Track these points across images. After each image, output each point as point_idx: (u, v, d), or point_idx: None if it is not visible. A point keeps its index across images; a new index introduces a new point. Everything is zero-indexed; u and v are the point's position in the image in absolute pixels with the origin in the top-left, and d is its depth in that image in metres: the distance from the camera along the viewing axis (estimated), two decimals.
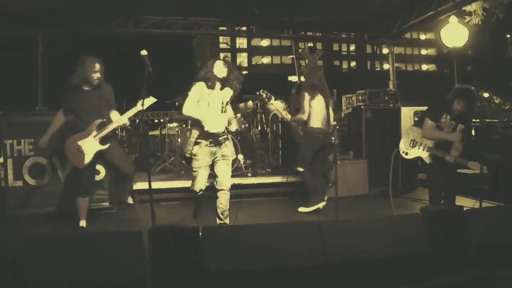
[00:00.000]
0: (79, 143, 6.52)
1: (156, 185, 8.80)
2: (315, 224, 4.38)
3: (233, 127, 6.89)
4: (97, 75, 6.56)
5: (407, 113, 13.01)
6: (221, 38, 61.06)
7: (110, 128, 6.61)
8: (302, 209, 8.37)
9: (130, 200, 7.73)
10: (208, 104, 6.43)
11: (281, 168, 10.06)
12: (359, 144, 10.26)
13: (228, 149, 6.59)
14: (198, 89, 6.44)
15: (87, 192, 6.88)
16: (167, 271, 3.73)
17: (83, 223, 6.76)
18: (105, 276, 3.68)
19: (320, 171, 8.68)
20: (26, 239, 3.78)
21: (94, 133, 6.55)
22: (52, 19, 10.55)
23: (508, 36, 15.93)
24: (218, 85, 6.51)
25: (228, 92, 6.63)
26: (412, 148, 7.04)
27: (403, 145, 7.23)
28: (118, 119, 6.66)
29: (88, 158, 6.55)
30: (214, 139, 6.43)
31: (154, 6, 10.76)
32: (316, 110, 8.25)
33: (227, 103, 6.63)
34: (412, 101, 14.05)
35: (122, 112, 6.78)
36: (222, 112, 6.56)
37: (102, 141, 6.59)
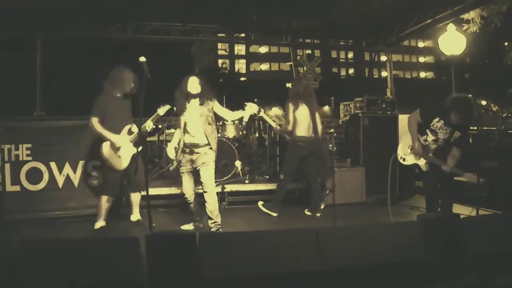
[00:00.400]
0: (117, 147, 6.94)
1: (154, 191, 8.81)
2: (312, 231, 4.38)
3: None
4: (131, 84, 7.16)
5: (405, 121, 13.02)
6: (219, 45, 61.07)
7: (137, 132, 6.96)
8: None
9: (134, 218, 7.83)
10: (186, 118, 7.11)
11: (278, 175, 10.06)
12: (356, 152, 10.27)
13: (208, 156, 7.06)
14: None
15: (114, 194, 7.31)
16: (164, 277, 3.73)
17: (102, 223, 7.16)
18: (102, 282, 3.68)
19: (314, 179, 8.83)
20: (23, 243, 3.78)
21: (128, 137, 7.05)
22: (51, 23, 10.57)
23: (506, 44, 15.94)
24: (195, 99, 7.09)
25: (207, 105, 7.12)
26: (410, 155, 6.99)
27: (401, 151, 7.20)
28: (145, 124, 7.03)
29: (125, 162, 7.01)
30: (191, 149, 7.04)
31: (153, 12, 10.79)
32: (300, 119, 8.45)
33: (208, 115, 7.12)
34: (410, 109, 14.02)
35: None
36: (203, 124, 7.04)
37: (136, 144, 6.89)
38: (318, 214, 8.63)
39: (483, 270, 4.49)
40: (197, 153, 7.00)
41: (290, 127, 8.50)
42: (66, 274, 3.64)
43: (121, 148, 6.97)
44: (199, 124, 7.00)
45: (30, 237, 6.71)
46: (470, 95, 6.82)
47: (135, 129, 7.10)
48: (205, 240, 4.08)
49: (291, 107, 8.48)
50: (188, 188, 7.25)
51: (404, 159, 7.06)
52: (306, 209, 8.80)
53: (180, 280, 3.76)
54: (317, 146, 8.64)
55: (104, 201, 7.12)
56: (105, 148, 6.91)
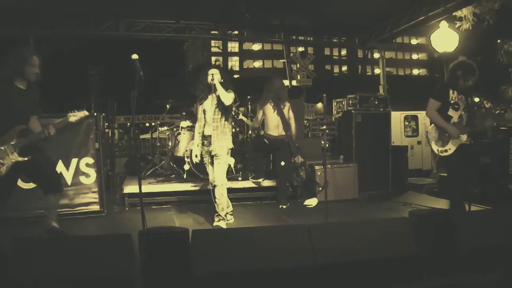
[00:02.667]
0: None
1: (146, 188, 8.81)
2: (304, 227, 4.41)
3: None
4: (36, 70, 5.74)
5: (398, 118, 13.12)
6: (212, 42, 60.97)
7: (33, 138, 5.79)
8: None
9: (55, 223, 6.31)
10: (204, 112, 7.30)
11: (271, 172, 10.08)
12: (349, 148, 10.27)
13: (220, 149, 7.12)
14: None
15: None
16: (157, 274, 3.74)
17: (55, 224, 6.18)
18: (95, 278, 3.69)
19: (282, 177, 9.14)
20: (16, 240, 3.79)
21: (14, 141, 5.64)
22: (44, 21, 10.56)
23: (499, 41, 15.96)
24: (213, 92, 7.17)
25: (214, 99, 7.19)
26: (449, 143, 6.66)
27: (436, 146, 6.82)
28: (45, 129, 5.80)
29: (3, 169, 5.59)
30: (209, 141, 7.15)
31: (145, 10, 10.78)
32: (268, 118, 8.89)
33: (216, 108, 7.15)
34: (403, 106, 14.13)
35: (112, 115, 6.76)
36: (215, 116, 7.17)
37: (23, 152, 5.69)
38: (284, 207, 8.87)
39: (474, 266, 4.52)
40: (212, 144, 7.11)
41: (256, 124, 9.25)
42: (58, 271, 3.65)
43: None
44: (216, 117, 7.15)
45: (23, 235, 6.71)
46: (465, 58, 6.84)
47: (26, 131, 5.80)
48: (197, 237, 4.09)
49: (259, 106, 9.05)
50: (212, 177, 7.34)
51: (446, 151, 6.71)
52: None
53: (173, 276, 3.77)
54: (284, 144, 8.92)
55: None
56: None
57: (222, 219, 7.10)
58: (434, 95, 6.75)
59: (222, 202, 7.11)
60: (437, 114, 6.66)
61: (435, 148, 6.82)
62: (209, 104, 7.18)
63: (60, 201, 6.61)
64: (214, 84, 6.91)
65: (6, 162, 5.57)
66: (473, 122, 6.62)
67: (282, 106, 8.86)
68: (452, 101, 6.65)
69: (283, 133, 8.83)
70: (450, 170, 6.90)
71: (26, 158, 5.66)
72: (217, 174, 7.14)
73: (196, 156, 7.30)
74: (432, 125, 6.88)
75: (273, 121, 8.85)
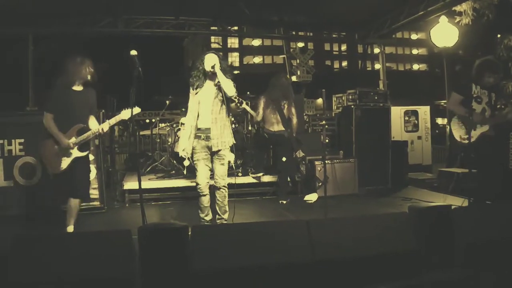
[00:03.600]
0: (57, 147, 6.13)
1: (146, 184, 8.84)
2: (303, 222, 4.40)
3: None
4: (91, 74, 6.30)
5: (398, 113, 13.09)
6: (212, 38, 60.85)
7: (90, 135, 6.25)
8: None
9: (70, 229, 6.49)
10: (200, 100, 6.62)
11: (271, 168, 10.10)
12: (349, 144, 10.29)
13: (223, 146, 6.66)
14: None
15: (61, 200, 6.60)
16: (156, 270, 3.74)
17: (70, 228, 6.41)
18: (94, 275, 3.70)
19: (283, 172, 9.17)
20: (16, 238, 3.79)
21: (74, 139, 6.15)
22: (42, 19, 10.55)
23: (499, 36, 15.92)
24: (211, 80, 6.64)
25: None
26: (471, 131, 6.78)
27: (458, 134, 7.00)
28: (99, 127, 6.31)
29: (65, 164, 6.15)
30: (207, 134, 6.54)
31: (144, 6, 10.77)
32: (268, 113, 8.97)
33: (216, 98, 6.63)
34: (403, 101, 14.10)
35: (111, 112, 6.72)
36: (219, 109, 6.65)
37: (81, 147, 6.24)
38: (284, 202, 8.91)
39: (473, 261, 4.52)
40: (213, 139, 6.53)
41: (258, 118, 9.13)
42: (57, 268, 3.66)
43: (64, 149, 6.12)
44: (215, 108, 6.59)
45: (23, 231, 6.72)
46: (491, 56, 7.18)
47: (87, 129, 6.26)
48: (197, 233, 4.09)
49: (261, 99, 9.08)
50: (202, 178, 6.69)
51: (468, 138, 6.73)
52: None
53: (172, 272, 3.77)
54: (284, 139, 8.95)
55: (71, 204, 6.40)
56: (47, 145, 6.16)
57: (224, 221, 6.82)
58: (457, 89, 7.06)
59: (226, 204, 6.83)
60: (459, 106, 6.90)
61: (457, 135, 7.02)
62: (206, 93, 6.58)
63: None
64: (215, 73, 6.40)
65: (68, 158, 6.15)
66: (494, 114, 6.79)
67: (282, 104, 8.90)
68: (475, 95, 6.84)
69: (283, 128, 8.87)
70: (481, 156, 6.99)
71: (85, 153, 6.33)
72: (222, 175, 6.73)
73: (184, 150, 6.72)
74: (454, 118, 7.08)
75: (272, 117, 8.91)
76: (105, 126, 6.34)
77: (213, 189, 6.79)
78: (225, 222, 6.76)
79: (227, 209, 6.84)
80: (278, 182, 9.32)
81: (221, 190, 6.75)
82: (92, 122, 6.41)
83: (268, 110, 8.93)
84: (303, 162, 9.54)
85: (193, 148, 6.65)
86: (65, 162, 6.14)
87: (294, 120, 8.96)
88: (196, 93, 6.62)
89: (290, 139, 8.91)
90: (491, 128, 6.76)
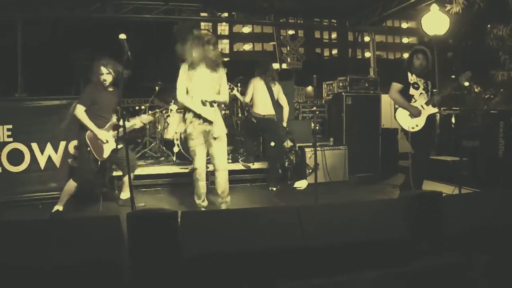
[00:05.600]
0: (104, 138, 6.84)
1: (136, 171, 8.78)
2: (294, 208, 4.39)
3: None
4: (104, 78, 6.84)
5: (388, 100, 13.07)
6: (202, 25, 60.70)
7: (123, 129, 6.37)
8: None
9: (123, 196, 7.59)
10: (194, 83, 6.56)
11: (261, 155, 10.09)
12: (339, 131, 10.31)
13: (219, 129, 6.63)
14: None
15: (83, 184, 7.03)
16: (145, 256, 3.71)
17: (60, 208, 6.81)
18: (82, 261, 3.66)
19: (272, 158, 9.17)
20: (1, 224, 3.75)
21: (112, 132, 6.96)
22: (32, 4, 10.45)
23: (489, 26, 15.98)
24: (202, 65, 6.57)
25: (219, 73, 6.72)
26: (415, 119, 7.16)
27: (406, 124, 7.23)
28: (137, 121, 7.42)
29: (106, 153, 6.91)
30: (205, 118, 6.51)
31: None
32: (257, 95, 8.97)
33: (217, 85, 6.67)
34: None
35: None
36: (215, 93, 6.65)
37: (117, 141, 7.00)
38: (273, 189, 8.95)
39: (463, 248, 4.52)
40: (211, 123, 6.52)
41: (247, 99, 9.18)
42: (45, 254, 3.62)
43: (104, 141, 6.85)
44: (211, 92, 6.56)
45: (11, 218, 6.68)
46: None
47: (118, 124, 7.01)
48: (186, 219, 4.06)
49: (252, 83, 9.08)
50: (201, 162, 6.72)
51: (416, 125, 7.14)
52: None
53: (161, 259, 3.75)
54: (273, 124, 8.96)
55: (71, 187, 6.85)
56: (90, 136, 6.74)
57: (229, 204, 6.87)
58: (395, 78, 7.42)
59: (227, 187, 6.87)
60: (399, 96, 7.30)
61: (406, 126, 7.23)
62: (203, 76, 6.51)
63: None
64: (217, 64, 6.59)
65: (107, 147, 6.88)
66: (432, 98, 7.24)
67: (272, 85, 8.90)
68: (411, 82, 7.27)
69: (272, 112, 8.86)
70: (417, 145, 7.32)
71: (120, 146, 7.00)
72: (224, 158, 6.90)
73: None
74: (399, 109, 7.41)
75: (262, 99, 8.89)
76: (137, 122, 7.54)
77: (211, 174, 7.07)
78: (228, 205, 6.86)
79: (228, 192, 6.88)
80: (267, 169, 9.29)
81: (225, 172, 6.83)
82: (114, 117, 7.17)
83: (258, 93, 8.91)
84: (292, 151, 9.50)
85: (188, 134, 6.61)
86: (107, 152, 6.91)
87: (286, 107, 8.96)
88: (193, 69, 6.55)
89: (279, 124, 8.88)
90: (434, 106, 7.25)
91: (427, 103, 7.15)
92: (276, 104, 8.93)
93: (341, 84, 10.87)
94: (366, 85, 10.60)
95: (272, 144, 8.82)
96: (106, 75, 6.83)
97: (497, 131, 8.36)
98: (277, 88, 9.03)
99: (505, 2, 14.12)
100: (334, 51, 69.43)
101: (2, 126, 7.85)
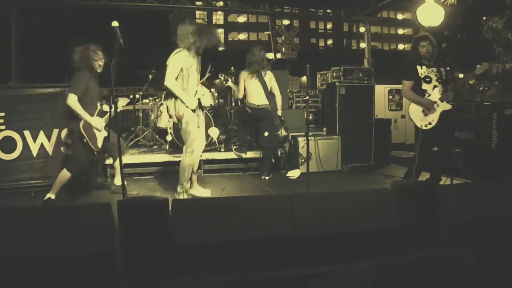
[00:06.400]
0: (99, 126, 6.87)
1: (128, 159, 8.78)
2: (285, 197, 4.38)
3: (207, 102, 7.05)
4: (99, 63, 6.87)
5: (382, 91, 13.12)
6: (197, 14, 60.42)
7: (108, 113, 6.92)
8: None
9: (117, 182, 7.45)
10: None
11: (254, 144, 10.09)
12: (332, 121, 10.31)
13: (202, 117, 7.08)
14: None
15: (76, 174, 7.13)
16: (136, 244, 3.71)
17: (52, 196, 6.75)
18: (73, 249, 3.65)
19: (266, 147, 9.15)
20: None
21: (102, 120, 6.95)
22: None
23: (484, 18, 15.99)
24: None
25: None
26: (429, 115, 6.90)
27: (420, 121, 7.00)
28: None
29: (100, 142, 6.91)
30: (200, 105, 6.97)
31: None
32: (250, 86, 8.92)
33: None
34: (387, 80, 14.13)
35: None
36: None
37: (108, 126, 6.88)
38: (266, 178, 8.91)
39: (456, 240, 4.53)
40: (201, 109, 7.06)
41: (240, 95, 9.20)
42: (35, 242, 3.61)
43: (100, 129, 6.88)
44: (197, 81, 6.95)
45: (1, 206, 6.67)
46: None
47: (105, 108, 7.05)
48: (178, 207, 4.06)
49: (242, 76, 9.09)
50: (202, 143, 7.25)
51: (430, 123, 6.88)
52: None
53: (152, 246, 3.74)
54: (267, 114, 8.93)
55: (65, 177, 6.80)
56: (88, 125, 6.72)
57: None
58: (405, 76, 7.17)
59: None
60: (412, 93, 7.00)
61: (419, 124, 6.98)
62: (194, 66, 6.83)
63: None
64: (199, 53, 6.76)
65: (100, 135, 6.89)
66: (446, 91, 6.91)
67: (263, 74, 8.87)
68: (422, 76, 6.94)
69: (266, 102, 8.84)
70: (425, 142, 7.07)
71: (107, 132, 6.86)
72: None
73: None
74: (411, 104, 7.10)
75: (254, 89, 8.86)
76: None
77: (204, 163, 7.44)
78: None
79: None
80: (261, 158, 9.30)
81: None
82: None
83: (250, 84, 8.87)
84: (286, 140, 9.49)
85: (188, 118, 6.76)
86: (100, 141, 6.90)
87: (278, 95, 8.95)
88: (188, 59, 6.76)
89: (274, 114, 8.87)
90: (448, 102, 6.90)
91: (441, 99, 6.84)
92: (269, 93, 8.89)
93: (335, 74, 10.87)
94: (360, 75, 10.60)
95: (266, 134, 8.82)
96: (100, 61, 6.85)
97: (490, 123, 8.38)
98: (268, 77, 8.97)
99: None
100: (329, 42, 69.37)
101: None
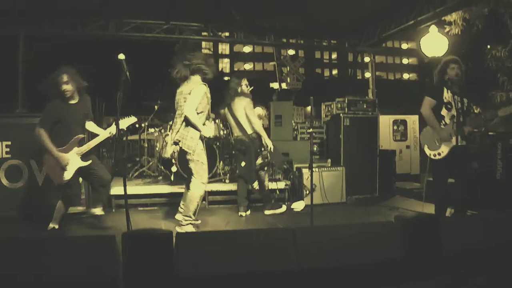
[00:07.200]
0: (64, 162, 6.31)
1: (133, 190, 8.79)
2: (289, 230, 4.40)
3: (209, 133, 7.01)
4: (64, 88, 6.28)
5: (386, 122, 13.13)
6: (203, 43, 60.75)
7: (92, 144, 6.51)
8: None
9: (99, 212, 7.16)
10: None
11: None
12: (337, 152, 10.32)
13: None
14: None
15: (70, 203, 6.80)
16: (140, 276, 3.72)
17: (56, 225, 6.67)
18: (78, 279, 3.67)
19: (240, 179, 8.79)
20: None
21: (76, 149, 6.38)
22: (34, 20, 10.52)
23: (488, 47, 16.04)
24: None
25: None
26: (442, 146, 6.78)
27: (429, 150, 6.93)
28: (109, 130, 6.58)
29: (68, 175, 6.35)
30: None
31: (135, 10, 10.75)
32: (229, 119, 8.74)
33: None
34: (392, 110, 14.16)
35: (99, 116, 6.73)
36: None
37: (84, 157, 6.46)
38: (242, 214, 8.47)
39: (459, 270, 4.52)
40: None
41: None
42: (41, 271, 3.63)
43: (67, 162, 6.33)
44: None
45: (7, 234, 6.67)
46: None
47: (111, 129, 6.57)
48: (182, 239, 4.07)
49: (222, 113, 8.98)
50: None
51: (439, 154, 6.79)
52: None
53: (156, 279, 3.75)
54: (244, 145, 8.52)
55: (60, 205, 6.67)
56: (50, 158, 6.31)
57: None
58: (429, 93, 6.93)
59: None
60: (431, 113, 6.82)
61: (428, 152, 6.92)
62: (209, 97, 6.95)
63: None
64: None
65: (70, 167, 6.35)
66: (465, 123, 6.72)
67: (232, 102, 8.58)
68: (445, 100, 6.77)
69: (239, 133, 8.53)
70: (436, 173, 7.01)
71: (87, 163, 6.48)
72: None
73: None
74: (427, 128, 6.99)
75: (229, 120, 8.70)
76: (105, 134, 6.59)
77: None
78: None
79: None
80: (237, 191, 8.84)
81: None
82: (94, 128, 6.77)
83: (228, 117, 8.69)
84: (263, 170, 8.86)
85: (201, 150, 6.87)
86: (68, 173, 6.33)
87: (253, 121, 8.45)
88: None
89: (251, 144, 8.50)
90: (463, 138, 6.72)
91: (456, 132, 6.60)
92: (239, 123, 8.55)
93: (339, 105, 10.91)
94: (365, 106, 10.64)
95: (243, 164, 8.56)
96: (65, 85, 6.24)
97: (495, 153, 8.35)
98: (238, 105, 8.54)
99: (503, 23, 14.20)
100: (334, 72, 69.68)
101: (1, 142, 7.92)
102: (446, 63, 6.90)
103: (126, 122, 6.79)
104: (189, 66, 6.86)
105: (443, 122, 6.82)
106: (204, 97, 6.79)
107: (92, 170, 6.61)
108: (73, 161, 6.36)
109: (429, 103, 6.86)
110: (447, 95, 6.79)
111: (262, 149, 8.53)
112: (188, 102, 6.68)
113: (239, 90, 8.54)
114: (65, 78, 6.24)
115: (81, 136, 6.46)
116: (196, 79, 6.89)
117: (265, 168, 8.83)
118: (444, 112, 6.80)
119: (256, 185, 8.73)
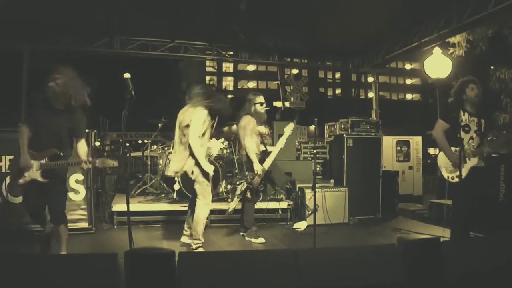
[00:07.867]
0: (25, 164, 5.68)
1: (135, 207, 8.79)
2: (291, 252, 4.38)
3: (214, 151, 7.00)
4: (52, 84, 5.63)
5: (390, 143, 13.12)
6: (207, 62, 60.97)
7: (60, 165, 5.78)
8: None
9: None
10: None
11: (263, 194, 10.01)
12: (340, 172, 10.33)
13: None
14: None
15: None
16: None
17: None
18: None
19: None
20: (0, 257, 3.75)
21: (43, 161, 5.71)
22: (39, 36, 10.59)
23: (492, 68, 16.07)
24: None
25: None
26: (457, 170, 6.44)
27: (446, 173, 6.74)
28: (84, 160, 5.78)
29: (22, 180, 5.74)
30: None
31: (141, 28, 10.82)
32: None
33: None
34: (395, 130, 14.17)
35: (103, 132, 6.69)
36: None
37: (46, 173, 5.74)
38: (244, 234, 8.17)
39: None
40: None
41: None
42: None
43: (26, 172, 5.72)
44: None
45: (10, 250, 6.65)
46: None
47: (59, 157, 5.78)
48: (184, 259, 4.06)
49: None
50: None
51: (457, 176, 6.42)
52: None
53: None
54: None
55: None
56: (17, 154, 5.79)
57: None
58: (444, 117, 6.75)
59: None
60: (443, 136, 6.63)
61: (445, 175, 6.75)
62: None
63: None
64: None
65: (28, 175, 5.70)
66: (483, 145, 6.56)
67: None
68: (462, 123, 6.60)
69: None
70: (456, 195, 6.86)
71: (43, 180, 5.73)
72: None
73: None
74: (441, 152, 6.83)
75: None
76: (87, 165, 5.77)
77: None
78: None
79: None
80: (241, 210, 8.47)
81: None
82: (81, 147, 5.98)
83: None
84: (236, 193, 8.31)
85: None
86: (23, 178, 5.70)
87: (245, 144, 8.11)
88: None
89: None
90: (481, 159, 6.54)
91: (474, 154, 6.47)
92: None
93: (342, 126, 10.93)
94: (368, 127, 10.66)
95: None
96: (53, 82, 5.65)
97: (498, 174, 8.33)
98: (240, 123, 8.29)
99: (507, 45, 14.25)
100: (338, 91, 69.74)
101: (4, 157, 7.95)
102: (464, 83, 6.76)
103: (107, 163, 5.87)
104: (201, 98, 6.87)
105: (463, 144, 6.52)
106: (206, 120, 6.81)
107: (48, 195, 5.85)
108: (33, 170, 5.67)
109: (441, 126, 6.67)
110: (464, 117, 6.62)
111: (247, 172, 8.12)
112: (191, 131, 6.69)
113: (252, 109, 8.25)
114: (56, 75, 5.68)
115: (56, 151, 5.71)
116: (196, 105, 6.88)
117: (261, 195, 8.80)
118: (463, 135, 6.58)
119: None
